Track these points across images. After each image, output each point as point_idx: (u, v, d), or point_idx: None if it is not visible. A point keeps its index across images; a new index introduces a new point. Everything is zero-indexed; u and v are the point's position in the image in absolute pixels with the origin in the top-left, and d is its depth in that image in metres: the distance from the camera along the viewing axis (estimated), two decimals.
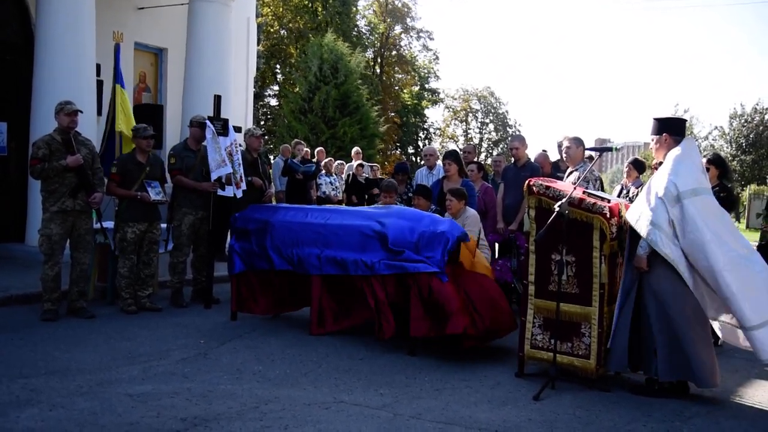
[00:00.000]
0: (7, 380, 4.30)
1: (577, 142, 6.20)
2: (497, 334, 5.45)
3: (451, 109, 48.98)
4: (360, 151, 14.15)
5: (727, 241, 4.35)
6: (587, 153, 6.32)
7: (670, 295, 4.45)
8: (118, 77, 8.36)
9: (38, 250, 6.17)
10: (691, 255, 4.33)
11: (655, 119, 4.78)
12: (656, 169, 4.82)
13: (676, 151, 4.56)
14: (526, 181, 4.96)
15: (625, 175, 8.53)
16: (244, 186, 7.10)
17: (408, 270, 5.30)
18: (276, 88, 33.15)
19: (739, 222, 28.98)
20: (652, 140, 4.78)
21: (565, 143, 6.23)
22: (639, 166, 8.35)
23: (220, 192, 7.04)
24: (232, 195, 7.14)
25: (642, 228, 4.45)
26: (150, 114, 8.75)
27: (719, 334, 4.66)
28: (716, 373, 4.51)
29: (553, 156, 8.74)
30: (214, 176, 6.86)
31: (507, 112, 51.50)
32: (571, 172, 6.22)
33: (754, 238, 11.70)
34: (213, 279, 7.11)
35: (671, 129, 4.71)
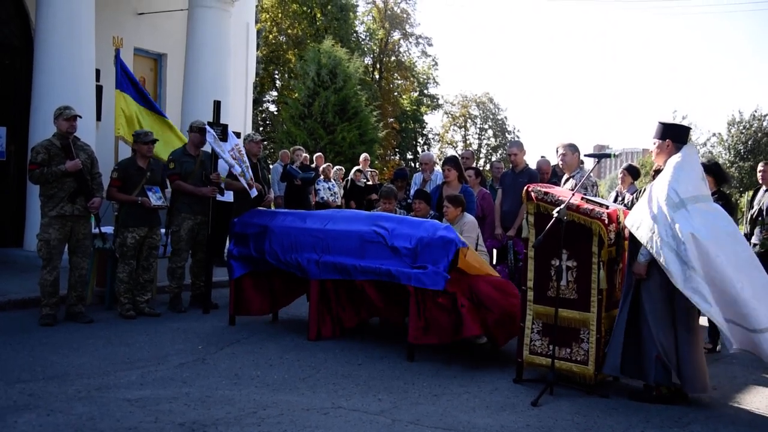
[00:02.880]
0: (4, 385, 4.30)
1: (573, 148, 6.22)
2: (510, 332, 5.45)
3: (450, 115, 49.06)
4: (368, 157, 13.95)
5: (734, 244, 4.36)
6: (584, 158, 6.35)
7: (669, 302, 4.45)
8: (118, 82, 8.38)
9: (37, 255, 6.17)
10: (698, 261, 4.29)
11: (660, 123, 4.73)
12: (654, 176, 4.82)
13: (676, 158, 4.55)
14: (525, 187, 4.97)
15: (619, 182, 8.55)
16: (255, 192, 7.16)
17: (402, 281, 5.30)
18: (275, 93, 33.20)
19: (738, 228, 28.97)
20: (654, 144, 4.75)
21: (561, 150, 6.26)
22: (633, 173, 8.36)
23: (219, 197, 7.06)
24: (232, 200, 7.17)
25: (643, 236, 4.44)
26: None
27: (730, 338, 4.41)
28: (706, 379, 4.52)
29: (553, 161, 8.77)
30: (237, 170, 6.95)
31: (506, 118, 51.56)
32: (567, 179, 6.24)
33: None
34: (211, 284, 7.11)
35: (675, 136, 4.68)
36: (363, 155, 13.94)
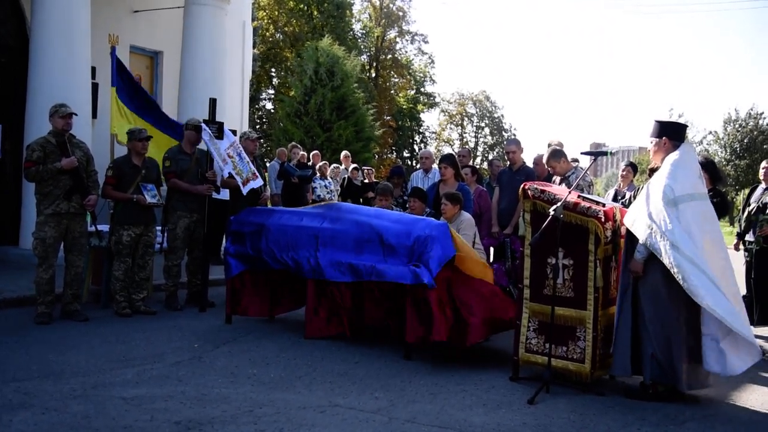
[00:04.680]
0: None
1: (558, 155, 6.18)
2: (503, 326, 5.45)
3: (446, 113, 49.07)
4: (349, 154, 14.14)
5: (721, 248, 4.41)
6: (581, 156, 6.35)
7: (666, 299, 4.45)
8: (113, 80, 8.34)
9: (32, 253, 6.15)
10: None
11: (656, 121, 4.76)
12: (650, 174, 4.83)
13: (674, 155, 4.57)
14: (521, 185, 4.96)
15: (620, 178, 8.53)
16: (260, 181, 7.17)
17: (396, 279, 5.29)
18: (271, 91, 33.16)
19: (734, 226, 29.10)
20: (651, 142, 4.77)
21: (551, 163, 6.24)
22: (635, 169, 8.39)
23: (214, 195, 7.04)
24: (228, 198, 7.16)
25: (641, 233, 4.44)
26: None
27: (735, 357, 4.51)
28: (701, 376, 4.53)
29: None
30: (225, 173, 6.97)
31: (502, 116, 51.60)
32: (561, 182, 6.24)
33: None
34: (208, 282, 7.10)
35: (672, 133, 4.70)
36: (343, 153, 14.04)
